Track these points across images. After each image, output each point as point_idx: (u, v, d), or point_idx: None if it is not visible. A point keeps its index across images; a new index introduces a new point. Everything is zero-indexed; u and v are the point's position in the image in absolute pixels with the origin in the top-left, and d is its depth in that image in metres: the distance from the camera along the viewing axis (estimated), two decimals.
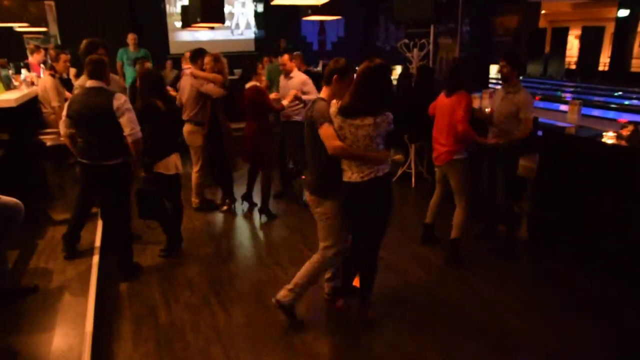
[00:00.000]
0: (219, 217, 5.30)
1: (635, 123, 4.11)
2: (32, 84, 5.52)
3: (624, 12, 17.13)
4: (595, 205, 3.99)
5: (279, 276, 3.91)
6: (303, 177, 5.27)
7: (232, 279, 3.95)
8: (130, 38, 8.34)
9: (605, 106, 9.52)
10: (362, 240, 3.26)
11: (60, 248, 3.94)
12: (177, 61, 8.35)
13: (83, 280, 3.52)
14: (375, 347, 3.09)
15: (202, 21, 6.80)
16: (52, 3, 9.77)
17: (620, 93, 12.37)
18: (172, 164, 4.03)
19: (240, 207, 5.56)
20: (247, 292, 3.74)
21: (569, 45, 19.80)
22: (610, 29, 18.92)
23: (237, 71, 10.66)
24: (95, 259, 3.84)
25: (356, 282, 3.39)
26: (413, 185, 6.32)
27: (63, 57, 5.28)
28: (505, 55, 4.10)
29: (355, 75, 2.96)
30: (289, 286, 3.19)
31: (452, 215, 4.17)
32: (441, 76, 6.61)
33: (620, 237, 3.81)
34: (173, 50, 11.31)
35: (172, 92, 5.16)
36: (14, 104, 4.20)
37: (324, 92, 3.04)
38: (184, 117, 5.05)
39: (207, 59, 4.96)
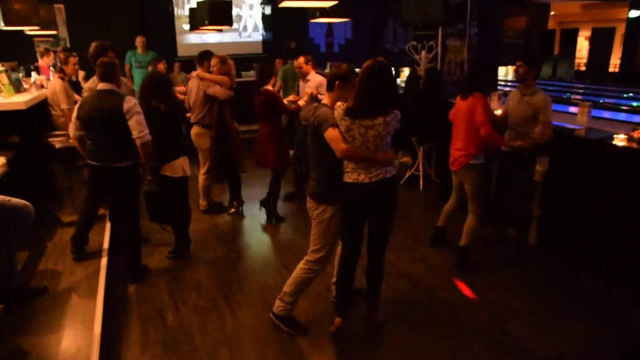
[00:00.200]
0: (227, 220, 5.31)
1: None
2: (42, 86, 5.56)
3: (635, 13, 16.97)
4: (605, 207, 3.95)
5: (286, 279, 3.88)
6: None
7: (240, 281, 3.95)
8: (139, 41, 8.39)
9: (615, 108, 9.43)
10: (359, 246, 3.16)
11: (69, 250, 3.95)
12: (185, 63, 8.38)
13: (92, 282, 3.54)
14: (382, 349, 3.08)
15: (210, 24, 6.85)
16: (62, 6, 9.85)
17: (630, 95, 12.26)
18: (178, 166, 4.03)
19: (253, 210, 5.56)
20: (255, 295, 3.73)
21: (578, 47, 19.66)
22: (620, 30, 18.76)
23: (245, 73, 10.71)
24: (104, 260, 3.86)
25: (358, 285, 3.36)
26: (421, 188, 6.29)
27: (72, 59, 5.31)
28: (523, 55, 4.05)
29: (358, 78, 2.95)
30: (279, 295, 3.22)
31: (463, 220, 4.13)
32: (449, 78, 6.58)
33: (631, 239, 3.76)
34: (181, 52, 11.36)
35: (181, 97, 5.17)
36: (24, 107, 4.23)
37: (327, 99, 3.03)
38: (192, 119, 5.07)
39: (214, 61, 4.97)
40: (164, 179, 4.03)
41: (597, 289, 3.78)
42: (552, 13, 20.47)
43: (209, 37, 11.58)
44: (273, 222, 5.19)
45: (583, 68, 19.66)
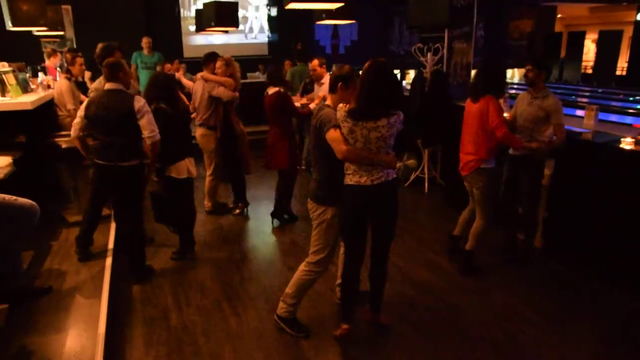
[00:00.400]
0: (231, 221, 5.31)
1: None
2: (49, 87, 5.59)
3: None
4: (611, 211, 3.92)
5: (290, 281, 3.89)
6: None
7: (244, 282, 3.95)
8: (145, 42, 8.42)
9: (622, 111, 9.39)
10: (361, 249, 3.12)
11: (74, 250, 3.97)
12: (191, 65, 8.41)
13: (96, 282, 3.55)
14: (385, 352, 3.06)
15: (217, 25, 6.87)
16: (69, 7, 9.91)
17: (637, 98, 12.18)
18: (183, 168, 4.04)
19: (257, 211, 5.56)
20: (258, 296, 3.73)
21: (585, 50, 19.57)
22: (628, 32, 18.65)
23: (250, 75, 10.73)
24: (109, 261, 3.87)
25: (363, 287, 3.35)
26: (426, 190, 6.27)
27: (79, 60, 5.33)
28: (532, 58, 4.00)
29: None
30: (282, 297, 3.23)
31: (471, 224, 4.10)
32: (455, 81, 6.56)
33: (638, 243, 3.73)
34: (187, 54, 11.41)
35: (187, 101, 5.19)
36: (30, 107, 4.25)
37: (330, 100, 3.03)
38: (197, 121, 5.08)
39: (218, 63, 4.98)
40: (169, 180, 4.04)
41: (603, 293, 3.76)
42: (559, 16, 20.38)
43: (215, 38, 11.62)
44: (277, 223, 5.19)
45: (590, 71, 19.57)
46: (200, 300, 3.67)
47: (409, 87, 7.07)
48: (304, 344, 3.13)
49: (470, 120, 3.87)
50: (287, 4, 4.72)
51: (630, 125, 6.48)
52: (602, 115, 5.84)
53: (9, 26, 5.46)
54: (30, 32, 6.94)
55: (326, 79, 5.41)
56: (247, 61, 11.15)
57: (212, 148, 5.12)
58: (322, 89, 5.24)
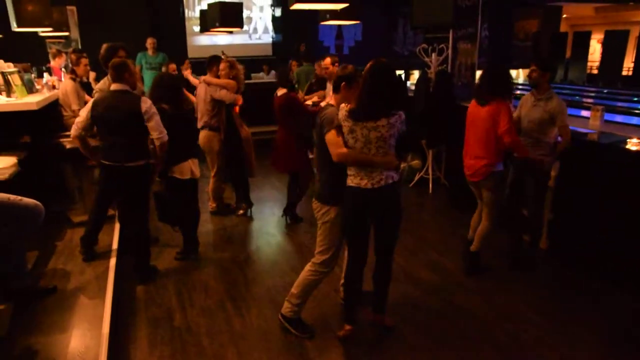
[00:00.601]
0: (235, 222, 5.31)
1: None
2: (54, 87, 5.60)
3: None
4: (617, 212, 3.89)
5: (294, 282, 3.88)
6: None
7: (248, 283, 3.95)
8: (149, 42, 8.43)
9: (628, 112, 9.33)
10: (364, 251, 3.11)
11: (78, 250, 3.98)
12: (195, 65, 8.42)
13: (100, 282, 3.55)
14: (389, 353, 3.05)
15: (221, 26, 6.87)
16: (74, 8, 9.95)
17: None
18: (187, 168, 4.04)
19: (261, 212, 5.56)
20: (262, 297, 3.73)
21: (591, 50, 19.47)
22: (634, 33, 18.57)
23: (255, 75, 10.74)
24: (113, 261, 3.87)
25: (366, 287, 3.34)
26: (430, 191, 6.26)
27: (83, 61, 5.34)
28: (537, 58, 3.96)
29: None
30: (287, 297, 3.23)
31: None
32: (460, 81, 6.54)
33: None
34: (191, 54, 11.41)
35: (193, 98, 5.19)
36: (35, 107, 4.26)
37: (333, 100, 3.03)
38: (199, 124, 5.08)
39: (222, 65, 4.98)
40: (172, 181, 4.04)
41: (605, 294, 3.75)
42: (564, 16, 20.31)
43: (219, 38, 11.63)
44: (287, 219, 5.22)
45: (595, 71, 19.47)
46: (204, 300, 3.67)
47: (413, 87, 7.06)
48: (308, 345, 3.12)
49: (479, 123, 3.78)
50: (292, 4, 4.71)
51: (636, 125, 6.44)
52: (608, 116, 5.81)
53: (14, 27, 5.47)
54: (35, 33, 6.97)
55: None
56: (251, 62, 11.16)
57: (215, 150, 5.12)
58: None
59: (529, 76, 4.01)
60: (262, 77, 10.88)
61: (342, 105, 2.90)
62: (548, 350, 3.10)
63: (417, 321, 3.41)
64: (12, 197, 2.95)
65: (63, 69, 6.81)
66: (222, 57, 5.36)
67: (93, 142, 3.83)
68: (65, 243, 4.22)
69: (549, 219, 4.43)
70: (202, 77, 5.17)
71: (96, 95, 3.80)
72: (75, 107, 4.98)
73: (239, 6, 7.13)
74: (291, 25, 12.14)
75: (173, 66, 8.07)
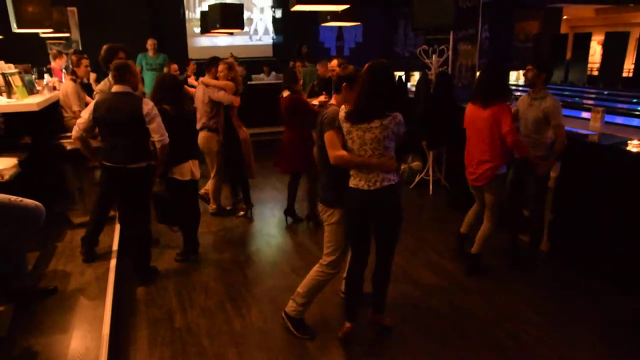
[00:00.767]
0: (235, 223, 5.31)
1: None
2: (54, 88, 5.61)
3: None
4: (618, 213, 3.89)
5: (294, 283, 3.87)
6: None
7: (248, 284, 3.95)
8: (150, 43, 8.44)
9: (629, 113, 9.33)
10: (367, 251, 3.12)
11: (79, 251, 3.98)
12: (195, 67, 8.43)
13: (101, 283, 3.55)
14: (390, 354, 3.05)
15: (222, 27, 6.89)
16: (74, 9, 9.96)
17: None
18: (187, 170, 4.04)
19: (261, 213, 5.56)
20: (262, 298, 3.73)
21: (591, 51, 19.47)
22: (635, 34, 18.57)
23: (255, 76, 10.75)
24: (113, 262, 3.87)
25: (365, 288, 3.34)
26: (431, 192, 6.26)
27: (84, 62, 5.35)
28: (535, 59, 3.98)
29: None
30: (293, 295, 3.23)
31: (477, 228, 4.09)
32: (460, 82, 6.54)
33: None
34: (192, 55, 11.43)
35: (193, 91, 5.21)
36: (36, 108, 4.26)
37: (334, 100, 3.03)
38: (199, 124, 5.08)
39: (221, 66, 4.99)
40: (172, 182, 4.05)
41: (606, 294, 3.75)
42: (564, 17, 20.33)
43: (220, 40, 11.65)
44: (287, 220, 5.21)
45: (596, 73, 19.47)
46: (204, 301, 3.67)
47: (413, 89, 7.06)
48: (309, 345, 3.12)
49: (482, 126, 3.75)
50: (293, 5, 4.72)
51: (637, 127, 6.45)
52: (609, 118, 5.81)
53: (14, 28, 5.48)
54: (36, 34, 6.99)
55: None
56: (251, 63, 11.19)
57: (214, 151, 5.12)
58: None
59: (524, 75, 4.06)
60: (263, 78, 10.90)
61: (342, 106, 2.91)
62: (548, 350, 3.09)
63: (417, 321, 3.41)
64: (13, 198, 2.95)
65: (63, 70, 6.81)
66: (230, 58, 5.37)
67: (94, 144, 3.83)
68: (66, 244, 4.22)
69: (549, 219, 4.42)
70: (201, 79, 5.18)
71: (98, 97, 3.80)
72: (75, 108, 4.99)
73: (240, 7, 7.15)
74: (292, 27, 12.15)
75: (175, 67, 8.08)
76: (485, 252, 4.11)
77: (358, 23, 6.76)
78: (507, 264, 4.23)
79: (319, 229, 5.05)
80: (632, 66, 17.91)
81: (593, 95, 13.86)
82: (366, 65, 2.82)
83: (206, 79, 5.08)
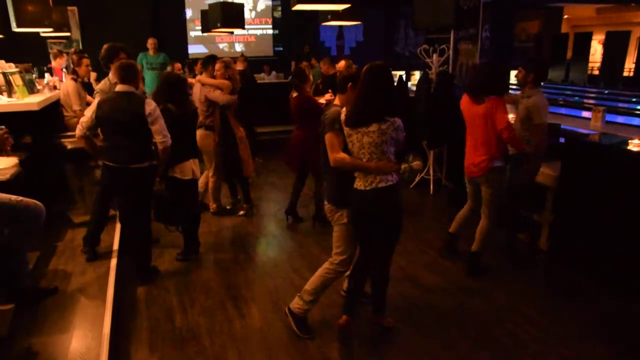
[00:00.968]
0: (236, 222, 5.31)
1: None
2: (55, 88, 5.61)
3: None
4: (619, 214, 3.89)
5: (295, 283, 3.89)
6: None
7: (249, 284, 3.95)
8: (150, 43, 8.44)
9: (630, 113, 9.33)
10: (369, 251, 3.13)
11: (79, 250, 3.99)
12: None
13: (101, 283, 3.56)
14: (390, 354, 3.05)
15: (223, 26, 6.88)
16: (75, 8, 9.96)
17: None
18: (188, 169, 4.04)
19: (262, 213, 5.56)
20: (263, 298, 3.73)
21: (592, 51, 19.47)
22: (636, 33, 18.55)
23: (256, 75, 10.75)
24: (114, 262, 3.88)
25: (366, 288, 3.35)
26: (431, 192, 6.26)
27: (85, 61, 5.35)
28: (526, 59, 4.04)
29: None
30: (300, 293, 3.22)
31: (475, 226, 4.08)
32: (461, 82, 6.54)
33: None
34: (192, 54, 11.42)
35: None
36: (36, 108, 4.27)
37: (338, 100, 3.03)
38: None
39: (217, 66, 4.97)
40: (173, 181, 4.04)
41: (607, 295, 3.75)
42: (565, 17, 20.31)
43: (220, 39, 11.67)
44: (288, 220, 5.22)
45: (596, 72, 19.47)
46: (204, 301, 3.67)
47: (414, 88, 7.05)
48: (309, 345, 3.12)
49: (477, 122, 3.81)
50: (294, 5, 4.72)
51: (638, 126, 6.44)
52: (609, 117, 5.80)
53: (14, 27, 5.48)
54: (37, 33, 6.98)
55: None
56: (252, 62, 11.18)
57: (211, 149, 5.11)
58: None
59: (515, 76, 4.15)
60: (263, 77, 10.90)
61: (343, 109, 2.90)
62: (548, 350, 3.09)
63: (417, 321, 3.41)
64: (13, 197, 2.95)
65: (64, 70, 6.82)
66: (241, 58, 5.34)
67: (101, 144, 3.82)
68: (66, 243, 4.22)
69: (548, 219, 4.43)
70: (198, 77, 5.17)
71: (101, 96, 3.79)
72: (76, 107, 4.99)
73: (241, 6, 7.15)
74: (293, 26, 12.16)
75: (178, 65, 8.07)
76: (485, 251, 4.11)
77: (359, 22, 6.76)
78: (506, 263, 4.23)
79: (324, 229, 5.07)
80: (633, 65, 17.91)
81: (594, 95, 13.84)
82: (364, 68, 2.81)
83: (203, 77, 5.07)
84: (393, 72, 3.09)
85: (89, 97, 5.20)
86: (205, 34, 9.27)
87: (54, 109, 5.08)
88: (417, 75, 9.22)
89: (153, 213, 4.08)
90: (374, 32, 13.43)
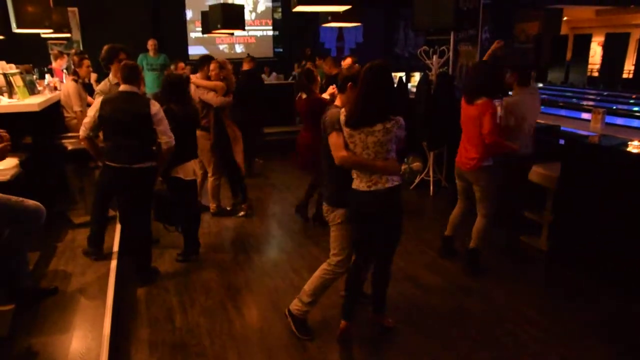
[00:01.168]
0: (235, 223, 5.31)
1: None
2: (55, 88, 5.62)
3: None
4: (618, 215, 3.90)
5: (295, 283, 3.89)
6: None
7: (249, 285, 3.95)
8: (150, 44, 8.45)
9: (629, 114, 9.34)
10: (369, 251, 3.12)
11: (79, 251, 3.99)
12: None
13: (102, 283, 3.56)
14: (390, 354, 3.05)
15: (223, 27, 6.89)
16: (75, 9, 9.98)
17: None
18: (190, 169, 4.06)
19: (262, 213, 5.56)
20: (263, 299, 3.73)
21: (591, 52, 19.50)
22: (635, 35, 18.59)
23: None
24: (114, 262, 3.88)
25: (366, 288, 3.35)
26: (431, 193, 6.26)
27: (86, 62, 5.36)
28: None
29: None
30: (299, 294, 3.22)
31: (470, 225, 4.09)
32: (461, 83, 6.55)
33: None
34: (192, 55, 11.43)
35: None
36: (37, 109, 4.27)
37: (339, 100, 3.03)
38: None
39: (212, 66, 4.95)
40: (175, 181, 4.05)
41: (607, 295, 3.75)
42: (565, 18, 20.34)
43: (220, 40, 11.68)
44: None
45: (596, 74, 19.50)
46: (205, 301, 3.67)
47: (414, 89, 7.06)
48: (309, 346, 3.13)
49: (470, 121, 3.87)
50: (294, 6, 4.72)
51: (637, 128, 6.45)
52: (609, 119, 5.81)
53: (14, 28, 5.48)
54: (37, 34, 6.99)
55: None
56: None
57: (206, 149, 5.10)
58: None
59: (506, 80, 4.17)
60: (263, 78, 10.90)
61: (342, 110, 2.89)
62: (548, 349, 3.10)
63: (416, 321, 3.41)
64: (14, 198, 2.96)
65: (64, 71, 6.83)
66: (247, 58, 5.30)
67: (102, 144, 3.82)
68: (67, 244, 4.23)
69: (548, 220, 4.43)
70: (192, 78, 5.15)
71: (103, 96, 3.78)
72: (77, 108, 5.00)
73: (241, 8, 7.16)
74: (292, 27, 12.17)
75: (182, 65, 8.06)
76: (485, 251, 4.12)
77: (359, 24, 6.76)
78: (506, 263, 4.23)
79: (324, 230, 5.07)
80: (633, 67, 17.93)
81: (593, 97, 13.86)
82: (364, 67, 2.80)
83: (197, 79, 5.06)
84: (393, 74, 3.09)
85: (89, 98, 5.20)
86: (205, 35, 9.27)
87: (54, 110, 5.08)
88: (417, 77, 9.23)
89: (153, 213, 4.09)
90: (374, 33, 13.46)
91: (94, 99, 4.39)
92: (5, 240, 2.97)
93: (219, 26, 6.90)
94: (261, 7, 12.54)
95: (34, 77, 5.55)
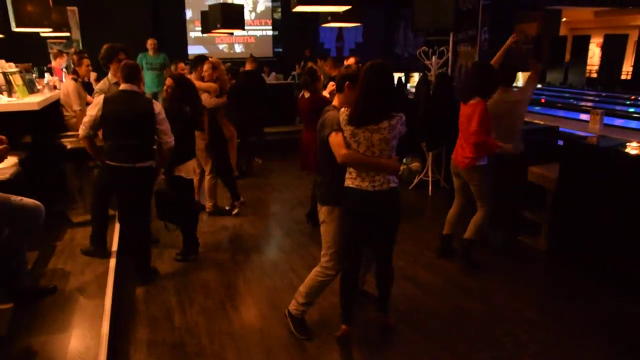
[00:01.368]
0: (234, 222, 5.31)
1: None
2: (55, 87, 5.61)
3: None
4: (617, 215, 3.90)
5: (294, 283, 3.89)
6: None
7: (248, 284, 3.95)
8: (150, 43, 8.45)
9: (627, 115, 9.36)
10: (369, 251, 3.13)
11: (78, 250, 3.98)
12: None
13: (100, 283, 3.55)
14: (390, 354, 3.05)
15: (223, 27, 6.89)
16: (75, 8, 9.97)
17: None
18: (191, 168, 4.07)
19: (260, 212, 5.56)
20: (262, 298, 3.73)
21: (590, 54, 19.54)
22: (633, 37, 18.63)
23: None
24: (113, 261, 3.87)
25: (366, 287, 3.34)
26: (430, 193, 6.26)
27: (85, 61, 5.36)
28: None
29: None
30: (296, 294, 3.22)
31: (467, 224, 4.11)
32: (460, 84, 6.56)
33: None
34: (192, 55, 11.43)
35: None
36: (36, 108, 4.27)
37: (336, 100, 3.02)
38: None
39: (205, 66, 4.93)
40: (177, 180, 4.05)
41: (607, 295, 3.76)
42: (563, 19, 20.38)
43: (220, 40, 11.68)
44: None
45: (595, 75, 19.53)
46: (203, 301, 3.67)
47: (413, 90, 7.07)
48: (308, 345, 3.12)
49: (464, 121, 3.91)
50: (295, 6, 4.72)
51: (635, 129, 6.46)
52: (607, 120, 5.83)
53: (14, 27, 5.48)
54: (37, 33, 6.98)
55: None
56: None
57: (202, 149, 5.08)
58: None
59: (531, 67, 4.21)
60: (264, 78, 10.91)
61: (342, 110, 2.88)
62: (547, 350, 3.10)
63: (416, 321, 3.41)
64: (13, 197, 2.95)
65: (64, 70, 6.82)
66: (249, 58, 5.29)
67: (101, 144, 3.82)
68: (66, 243, 4.22)
69: (547, 220, 4.44)
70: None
71: (103, 95, 3.77)
72: (76, 107, 5.00)
73: (241, 7, 7.16)
74: (292, 27, 12.18)
75: (182, 65, 8.06)
76: (485, 251, 4.13)
77: (358, 24, 6.76)
78: (506, 263, 4.24)
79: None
80: (631, 68, 17.96)
81: (592, 97, 13.88)
82: (364, 66, 2.80)
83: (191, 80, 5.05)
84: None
85: (88, 97, 5.20)
86: (205, 35, 9.28)
87: (54, 108, 5.08)
88: (416, 77, 9.25)
89: (156, 212, 4.09)
90: (374, 34, 13.47)
91: (93, 98, 4.38)
92: (4, 239, 2.97)
93: (218, 26, 6.90)
94: (261, 7, 12.54)
95: (34, 76, 5.54)
